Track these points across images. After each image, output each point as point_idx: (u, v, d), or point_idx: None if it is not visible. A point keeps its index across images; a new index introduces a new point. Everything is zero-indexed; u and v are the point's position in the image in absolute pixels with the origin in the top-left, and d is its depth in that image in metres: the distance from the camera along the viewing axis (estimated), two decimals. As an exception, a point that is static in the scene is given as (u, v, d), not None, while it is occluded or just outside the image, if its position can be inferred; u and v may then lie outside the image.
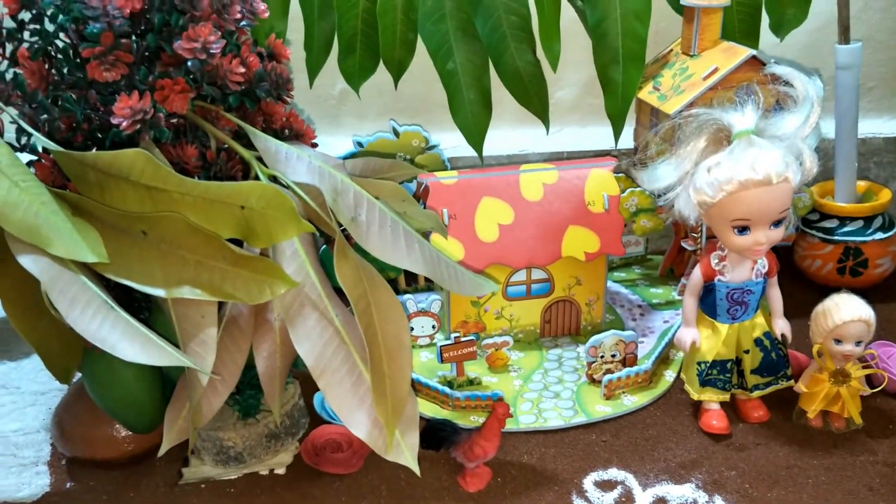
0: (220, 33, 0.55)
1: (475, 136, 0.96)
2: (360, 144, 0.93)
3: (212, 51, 0.55)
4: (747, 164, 0.63)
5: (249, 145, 0.60)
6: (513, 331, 0.88)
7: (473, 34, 0.91)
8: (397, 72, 0.95)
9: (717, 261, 0.70)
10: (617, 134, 0.92)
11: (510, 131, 1.06)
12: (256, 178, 0.58)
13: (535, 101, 0.95)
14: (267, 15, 0.62)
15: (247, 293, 0.52)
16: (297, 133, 0.64)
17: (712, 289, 0.71)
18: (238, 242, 0.55)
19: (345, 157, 0.89)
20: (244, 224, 0.53)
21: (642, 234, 0.95)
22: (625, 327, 0.91)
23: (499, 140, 1.04)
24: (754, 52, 0.82)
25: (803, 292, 0.92)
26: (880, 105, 1.08)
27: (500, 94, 0.94)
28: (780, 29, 0.95)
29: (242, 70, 0.57)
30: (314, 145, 0.70)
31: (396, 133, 0.93)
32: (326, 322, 0.54)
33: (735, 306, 0.71)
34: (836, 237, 0.93)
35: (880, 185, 0.97)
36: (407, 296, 0.90)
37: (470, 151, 0.98)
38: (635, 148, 0.97)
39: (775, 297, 0.73)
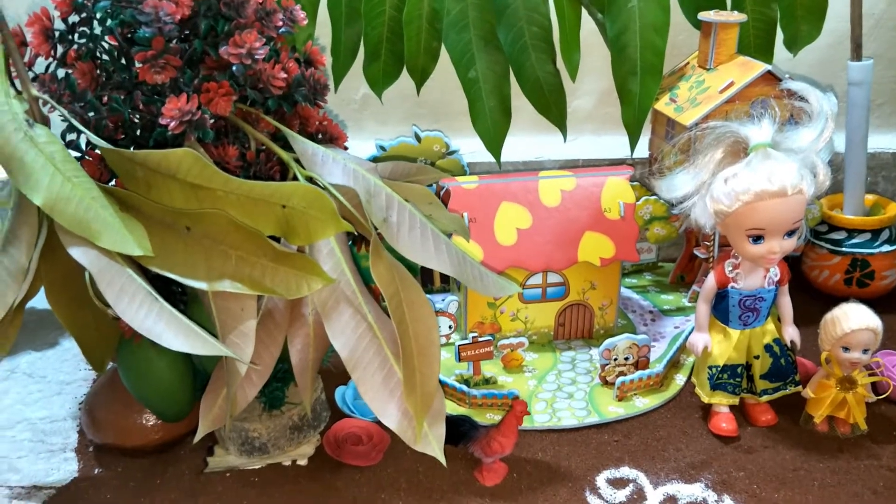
0: (264, 40, 0.58)
1: (494, 143, 0.99)
2: (382, 148, 0.95)
3: (256, 56, 0.58)
4: (764, 175, 0.66)
5: (287, 147, 0.63)
6: (527, 332, 0.90)
7: (495, 44, 0.93)
8: (420, 79, 0.98)
9: (730, 268, 0.72)
10: (633, 143, 0.95)
11: (528, 138, 1.08)
12: (294, 178, 0.60)
13: (554, 110, 0.97)
14: (306, 23, 0.65)
15: (285, 288, 0.54)
16: (331, 136, 0.67)
17: (725, 295, 0.73)
18: (276, 240, 0.57)
19: (372, 160, 0.91)
20: (285, 222, 0.55)
21: (656, 241, 0.98)
22: (636, 332, 0.93)
23: (516, 146, 1.06)
24: (769, 67, 0.84)
25: (811, 302, 0.94)
26: (889, 121, 1.10)
27: (519, 101, 0.97)
28: (793, 45, 0.97)
29: (284, 75, 0.59)
30: (346, 148, 0.73)
31: (418, 138, 0.96)
32: (360, 317, 0.57)
33: (747, 313, 0.73)
34: (843, 249, 0.95)
35: (888, 199, 0.99)
36: (425, 296, 0.92)
37: (488, 157, 1.01)
38: (650, 157, 0.99)
39: (786, 304, 0.75)
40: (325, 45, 0.97)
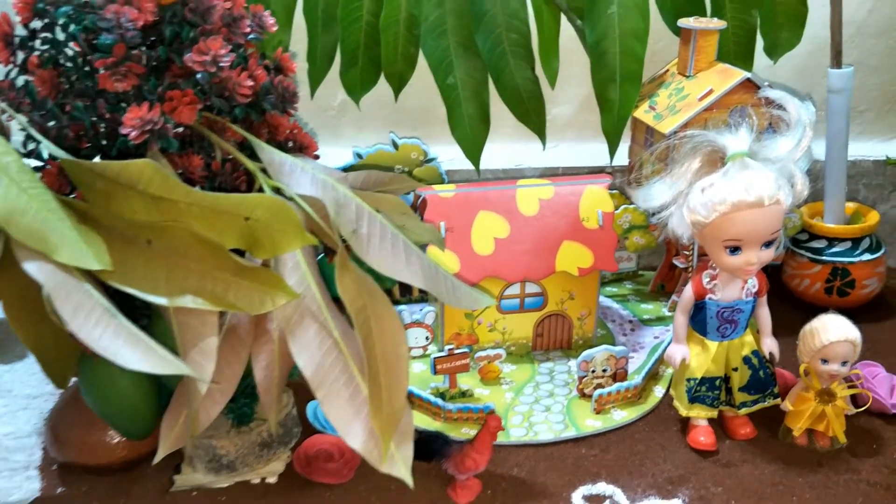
0: (230, 47, 0.56)
1: (473, 150, 0.97)
2: (359, 156, 0.94)
3: (221, 64, 0.56)
4: (741, 185, 0.65)
5: (254, 157, 0.61)
6: (505, 343, 0.89)
7: (474, 50, 0.92)
8: (398, 85, 0.96)
9: (708, 279, 0.71)
10: (612, 151, 0.94)
11: (507, 145, 1.07)
12: (261, 189, 0.59)
13: (533, 117, 0.96)
14: (275, 29, 0.63)
15: (248, 303, 0.53)
16: (300, 145, 0.65)
17: (703, 307, 0.72)
18: (241, 253, 0.55)
19: (345, 169, 0.90)
20: (249, 235, 0.53)
21: (635, 250, 0.97)
22: (615, 342, 0.92)
23: (495, 154, 1.05)
24: (749, 74, 0.84)
25: (791, 311, 0.94)
26: (871, 128, 1.10)
27: (498, 108, 0.95)
28: (774, 52, 0.97)
29: (251, 83, 0.58)
30: (317, 157, 0.71)
31: (396, 145, 0.94)
32: (325, 333, 0.55)
33: (725, 324, 0.72)
34: (824, 257, 0.94)
35: (868, 206, 0.99)
36: (401, 306, 0.91)
37: (467, 164, 1.00)
38: (630, 165, 0.98)
39: (764, 316, 0.74)
40: (299, 51, 0.95)
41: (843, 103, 0.92)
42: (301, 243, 0.52)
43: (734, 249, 0.67)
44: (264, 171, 0.60)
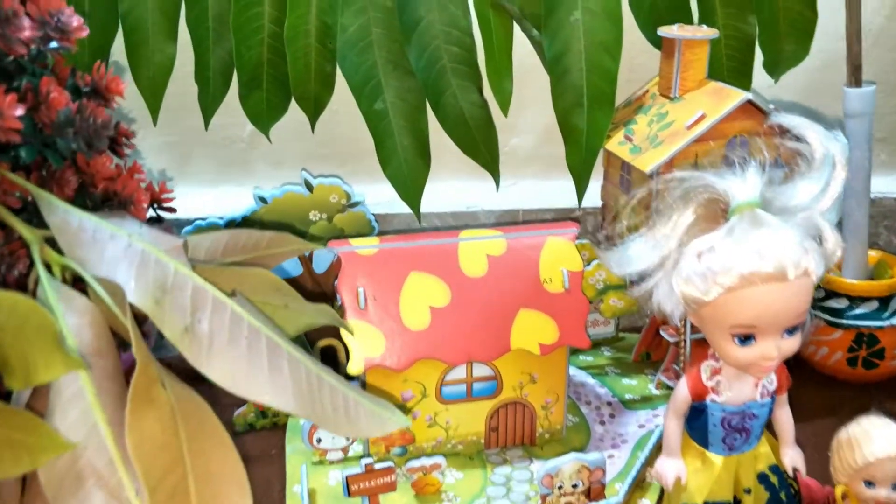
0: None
1: (410, 191, 0.79)
2: (263, 200, 0.75)
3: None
4: (753, 250, 0.46)
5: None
6: (450, 441, 0.69)
7: (407, 68, 0.74)
8: (314, 111, 0.78)
9: (708, 373, 0.52)
10: (580, 192, 0.76)
11: (455, 183, 0.88)
12: (47, 269, 0.39)
13: (483, 149, 0.78)
14: (85, 34, 0.44)
15: (-8, 462, 0.33)
16: (123, 200, 0.46)
17: (703, 410, 0.53)
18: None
19: (228, 223, 0.71)
20: (-5, 351, 0.34)
21: (612, 315, 0.78)
22: (591, 434, 0.73)
23: (440, 193, 0.87)
24: (750, 95, 0.66)
25: (807, 386, 0.75)
26: (893, 159, 0.92)
27: (442, 139, 0.77)
28: (776, 67, 0.79)
29: (19, 111, 0.38)
30: (169, 209, 0.52)
31: (310, 186, 0.75)
32: (120, 504, 0.35)
33: (733, 434, 0.53)
34: (845, 321, 0.76)
35: (894, 255, 0.81)
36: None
37: (405, 207, 0.81)
38: (602, 208, 0.80)
39: (785, 419, 0.55)
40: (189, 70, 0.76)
41: (863, 129, 0.74)
42: (64, 369, 0.32)
43: (745, 338, 0.48)
44: (52, 241, 0.40)
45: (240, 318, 0.41)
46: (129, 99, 0.64)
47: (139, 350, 0.36)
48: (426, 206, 0.82)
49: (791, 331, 0.48)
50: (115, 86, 0.47)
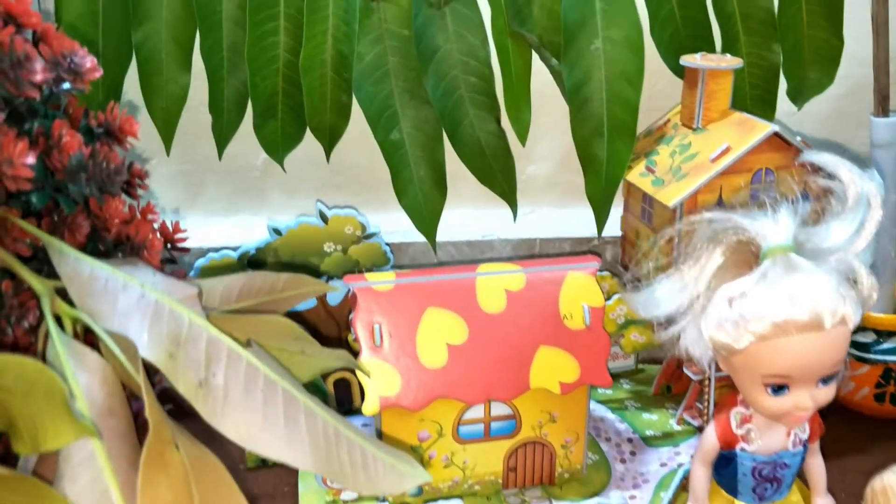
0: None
1: (426, 221, 0.78)
2: (277, 231, 0.74)
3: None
4: (787, 296, 0.45)
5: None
6: (467, 482, 0.67)
7: (423, 97, 0.73)
8: (329, 141, 0.77)
9: (738, 421, 0.51)
10: (600, 224, 0.74)
11: (472, 212, 0.87)
12: (58, 321, 0.38)
13: (500, 178, 0.77)
14: (99, 74, 0.43)
15: (-5, 533, 0.31)
16: (136, 245, 0.44)
17: (732, 459, 0.51)
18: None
19: (240, 254, 0.69)
20: (3, 415, 0.32)
21: (633, 350, 0.76)
22: (611, 472, 0.70)
23: (456, 222, 0.85)
24: (776, 128, 0.64)
25: (833, 421, 0.72)
26: (919, 189, 0.90)
27: (458, 167, 0.76)
28: (800, 95, 0.78)
29: (30, 159, 0.37)
30: (182, 250, 0.51)
31: (324, 218, 0.74)
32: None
33: (764, 483, 0.51)
34: (873, 355, 0.74)
35: (923, 287, 0.79)
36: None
37: (420, 237, 0.80)
38: (622, 237, 0.78)
39: (817, 468, 0.53)
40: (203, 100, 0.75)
41: (891, 159, 0.72)
42: (74, 435, 0.31)
43: (779, 388, 0.46)
44: (62, 291, 0.39)
45: (255, 370, 0.40)
46: (142, 127, 0.63)
47: (152, 411, 0.34)
48: (442, 234, 0.81)
49: (826, 380, 0.47)
50: (129, 126, 0.45)
